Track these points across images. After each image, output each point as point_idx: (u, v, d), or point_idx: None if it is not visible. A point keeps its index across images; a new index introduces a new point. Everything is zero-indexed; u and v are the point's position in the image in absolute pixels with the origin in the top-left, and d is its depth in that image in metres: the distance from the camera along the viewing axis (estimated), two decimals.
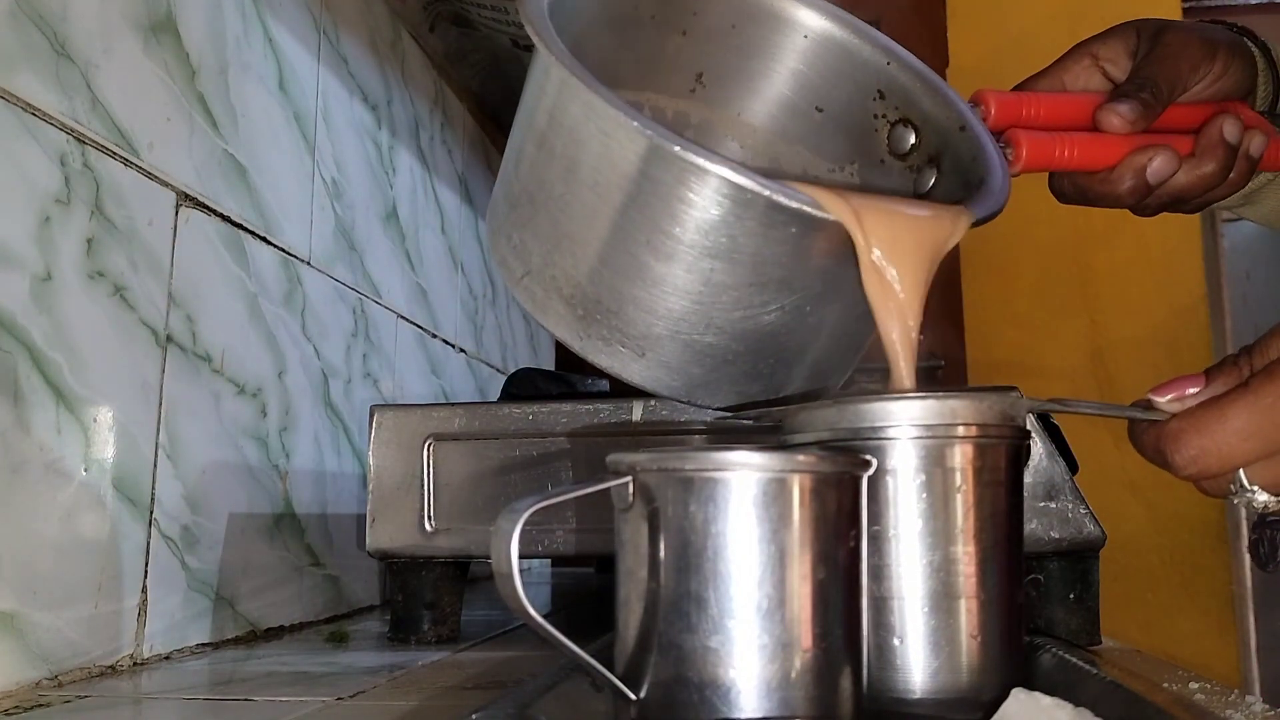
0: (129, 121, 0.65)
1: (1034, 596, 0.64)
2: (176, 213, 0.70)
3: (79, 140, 0.60)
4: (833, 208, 0.40)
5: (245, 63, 0.80)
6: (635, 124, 0.39)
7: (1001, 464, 0.45)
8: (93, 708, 0.52)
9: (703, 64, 0.55)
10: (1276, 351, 0.40)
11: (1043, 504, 0.63)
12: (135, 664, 0.64)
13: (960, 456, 0.44)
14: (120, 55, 0.65)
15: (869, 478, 0.41)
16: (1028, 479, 0.63)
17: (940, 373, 2.06)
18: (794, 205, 0.39)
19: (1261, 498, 0.40)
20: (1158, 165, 0.55)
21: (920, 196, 0.51)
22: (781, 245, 0.41)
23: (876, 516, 0.43)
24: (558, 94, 0.42)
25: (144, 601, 0.65)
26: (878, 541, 0.43)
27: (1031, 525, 0.63)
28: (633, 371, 0.44)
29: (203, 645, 0.71)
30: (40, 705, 0.52)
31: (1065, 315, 2.15)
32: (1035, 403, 0.44)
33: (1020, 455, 0.47)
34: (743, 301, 0.42)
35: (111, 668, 0.62)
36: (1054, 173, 0.58)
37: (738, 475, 0.37)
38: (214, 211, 0.75)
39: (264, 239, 0.82)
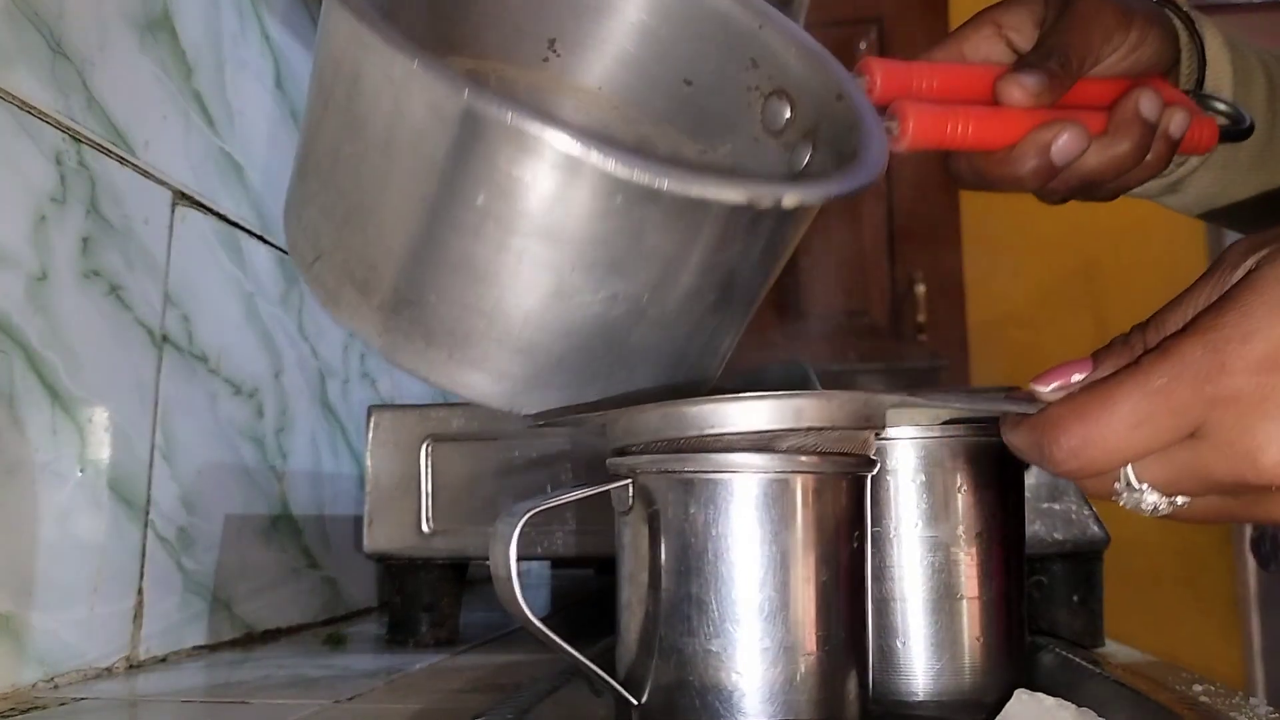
0: (125, 120, 0.65)
1: (1037, 598, 0.64)
2: (172, 211, 0.70)
3: (75, 139, 0.60)
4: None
5: (242, 60, 0.80)
6: (416, 63, 0.32)
7: (1001, 464, 0.45)
8: (88, 710, 0.52)
9: (554, 29, 0.47)
10: (1173, 325, 0.33)
11: (1046, 505, 0.63)
12: (131, 666, 0.63)
13: (960, 457, 0.44)
14: (116, 53, 0.64)
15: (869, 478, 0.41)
16: (1031, 480, 0.63)
17: (942, 373, 2.05)
18: (622, 173, 0.32)
19: (1151, 498, 0.34)
20: (1065, 142, 0.48)
21: (796, 175, 0.46)
22: (609, 220, 0.34)
23: (877, 517, 0.43)
24: (345, 43, 0.36)
25: (140, 603, 0.64)
26: (878, 542, 0.43)
27: (1035, 527, 0.62)
28: (441, 375, 0.38)
29: (199, 648, 0.71)
30: (36, 708, 0.51)
31: (1069, 314, 2.14)
32: (890, 398, 0.38)
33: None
34: (566, 289, 0.36)
35: (107, 670, 0.61)
36: (950, 152, 0.52)
37: (739, 477, 0.36)
38: (210, 210, 0.74)
39: (260, 238, 0.82)
